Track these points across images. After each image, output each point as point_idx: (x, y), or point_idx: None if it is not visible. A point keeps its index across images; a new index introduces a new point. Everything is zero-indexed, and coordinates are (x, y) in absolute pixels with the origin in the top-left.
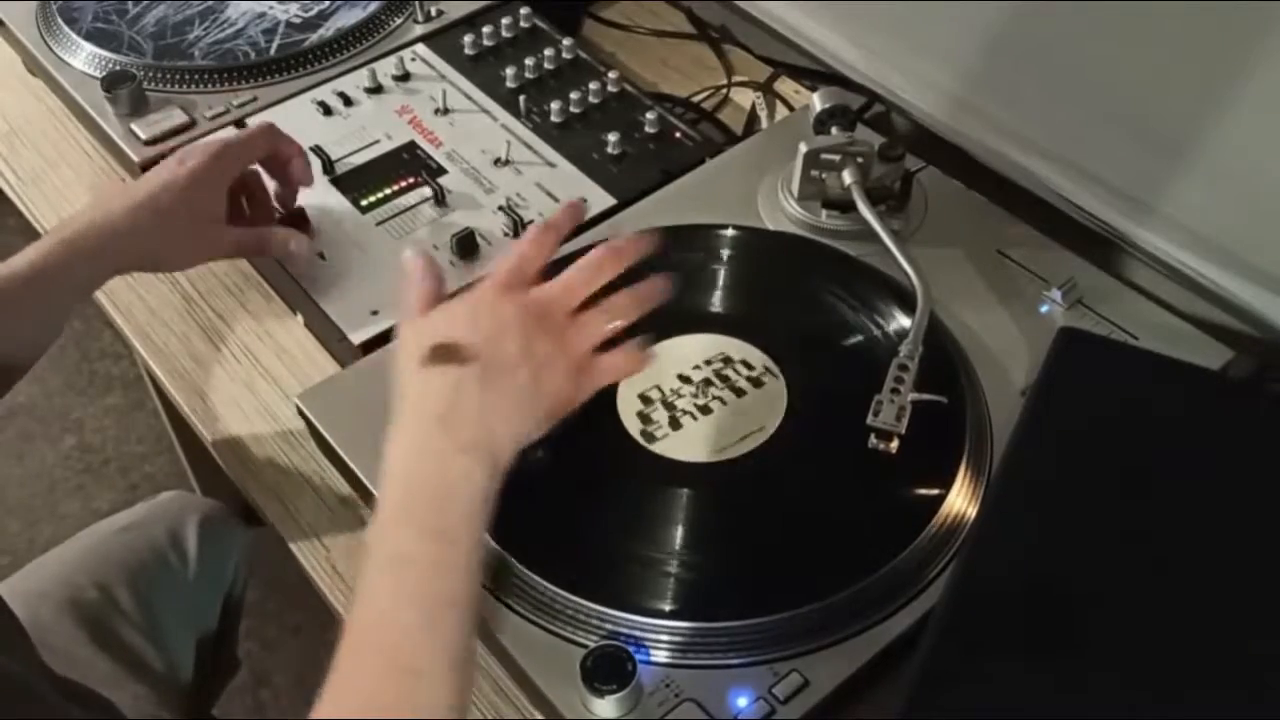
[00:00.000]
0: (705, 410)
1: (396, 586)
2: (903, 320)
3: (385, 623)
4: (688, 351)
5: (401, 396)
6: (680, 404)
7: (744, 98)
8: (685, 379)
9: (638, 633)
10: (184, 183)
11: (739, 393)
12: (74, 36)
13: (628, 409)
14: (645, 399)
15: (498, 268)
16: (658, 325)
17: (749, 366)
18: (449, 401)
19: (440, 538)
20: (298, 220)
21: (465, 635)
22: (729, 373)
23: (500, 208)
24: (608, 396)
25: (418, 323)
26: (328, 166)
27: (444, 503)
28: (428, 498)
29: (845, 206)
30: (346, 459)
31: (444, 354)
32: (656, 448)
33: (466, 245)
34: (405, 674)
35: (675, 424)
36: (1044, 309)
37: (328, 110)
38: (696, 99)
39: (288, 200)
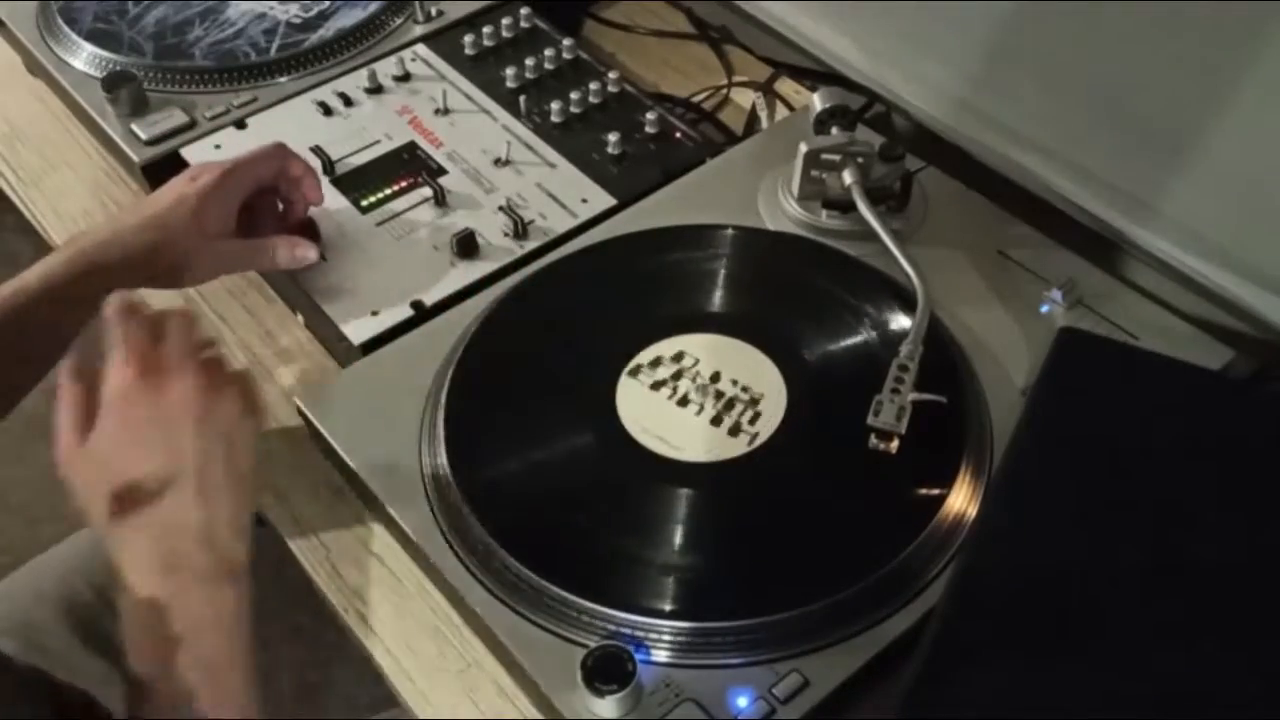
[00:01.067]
0: (705, 410)
1: None
2: (903, 320)
3: None
4: (688, 351)
5: (113, 560)
6: (680, 404)
7: (744, 98)
8: (685, 379)
9: (638, 632)
10: (194, 201)
11: (739, 393)
12: (74, 37)
13: (627, 409)
14: (646, 399)
15: (118, 366)
16: (658, 325)
17: (749, 367)
18: (160, 547)
19: (206, 671)
20: (306, 231)
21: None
22: (729, 373)
23: (500, 208)
24: (608, 396)
25: (79, 455)
26: (328, 167)
27: (199, 639)
28: (181, 643)
29: (845, 206)
30: (346, 459)
31: (128, 498)
32: (656, 448)
33: (467, 245)
34: None
35: (675, 423)
36: (1044, 309)
37: (328, 110)
38: (697, 99)
39: (296, 217)
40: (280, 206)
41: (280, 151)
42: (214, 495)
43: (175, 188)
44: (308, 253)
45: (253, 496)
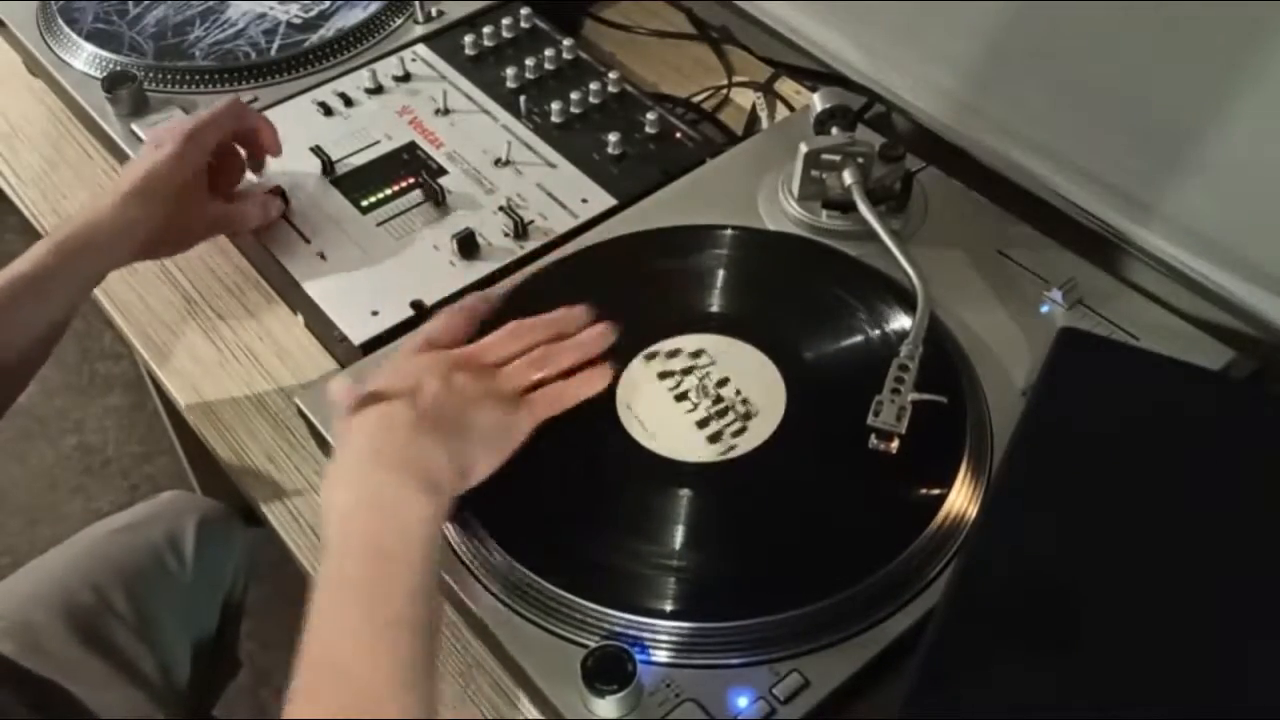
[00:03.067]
0: (697, 410)
1: (340, 610)
2: (903, 320)
3: (333, 647)
4: (689, 351)
5: (337, 447)
6: (680, 404)
7: (744, 98)
8: (685, 379)
9: (638, 633)
10: (165, 167)
11: (739, 393)
12: (75, 37)
13: (627, 409)
14: (649, 386)
15: (408, 337)
16: (659, 325)
17: (749, 367)
18: (379, 434)
19: (380, 561)
20: (274, 193)
21: (416, 654)
22: (729, 373)
23: (501, 208)
24: (607, 397)
25: (348, 418)
26: (328, 167)
27: (381, 527)
28: (363, 521)
29: (846, 207)
30: None
31: (370, 400)
32: (656, 448)
33: (467, 245)
34: (356, 696)
35: (675, 423)
36: (1044, 309)
37: (328, 111)
38: (697, 99)
39: (257, 168)
40: (245, 160)
41: (235, 106)
42: (437, 423)
43: (144, 159)
44: (274, 205)
45: (474, 459)
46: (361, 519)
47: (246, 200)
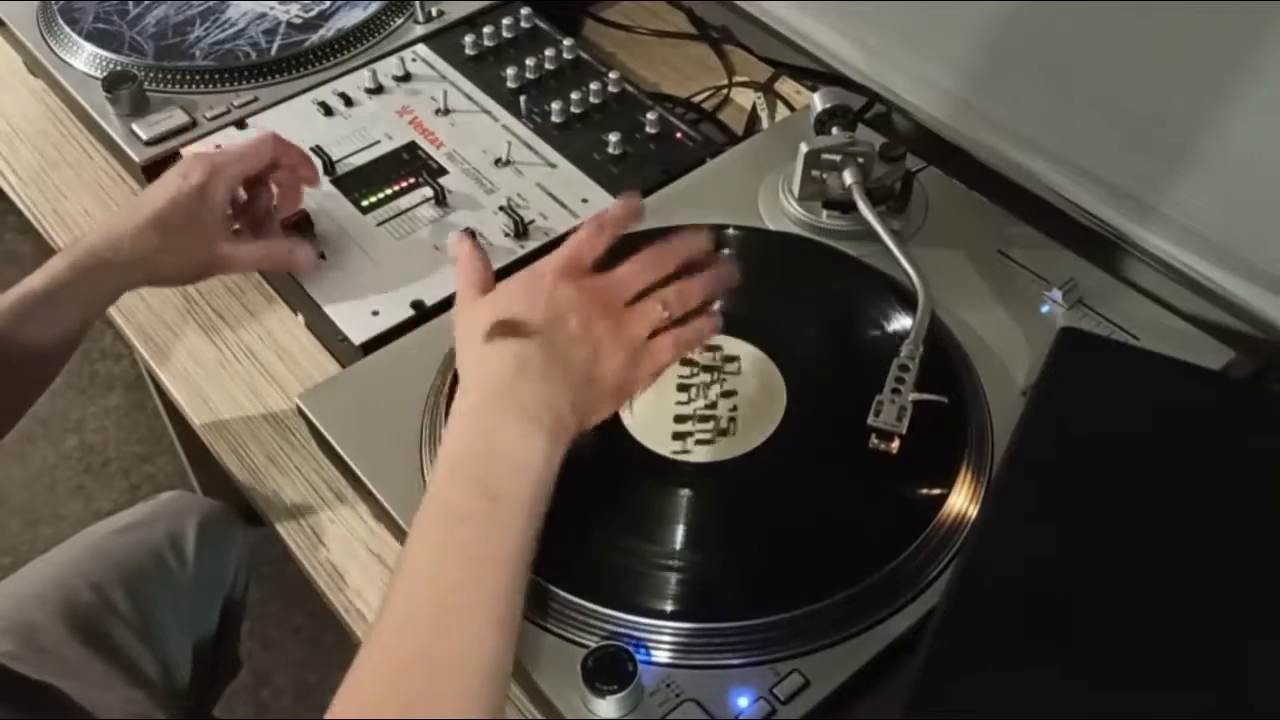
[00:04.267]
0: (705, 410)
1: (444, 540)
2: (903, 320)
3: (431, 574)
4: (726, 353)
5: (464, 372)
6: (680, 404)
7: (745, 98)
8: (684, 379)
9: (638, 633)
10: (189, 199)
11: (739, 392)
12: (75, 37)
13: (628, 411)
14: (646, 401)
15: (554, 255)
16: None
17: (749, 366)
18: (509, 372)
19: (492, 499)
20: (300, 222)
21: (512, 593)
22: (729, 373)
23: (501, 208)
24: None
25: (478, 302)
26: (328, 167)
27: (498, 466)
28: (482, 460)
29: (846, 207)
30: (347, 459)
31: (505, 330)
32: (657, 448)
33: None
34: (449, 624)
35: (658, 407)
36: (1045, 309)
37: (328, 111)
38: (697, 99)
39: (289, 206)
40: (274, 193)
41: (272, 141)
42: (567, 368)
43: (169, 187)
44: (308, 253)
45: (595, 407)
46: (484, 459)
47: (275, 244)
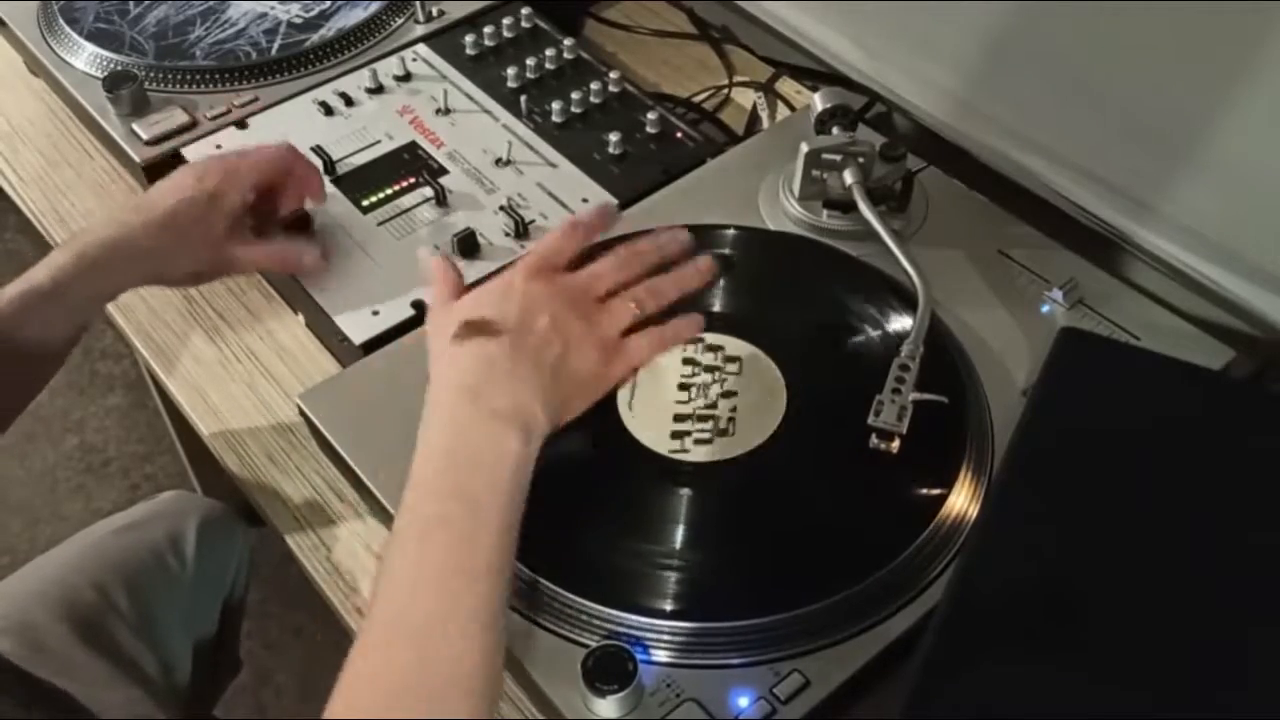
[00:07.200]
0: (704, 410)
1: (422, 550)
2: (904, 320)
3: (411, 585)
4: (728, 353)
5: (434, 376)
6: (680, 404)
7: (745, 98)
8: (685, 379)
9: (639, 633)
10: (202, 201)
11: (739, 393)
12: (75, 37)
13: (627, 408)
14: (656, 374)
15: (524, 256)
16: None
17: (750, 366)
18: (478, 372)
19: (467, 503)
20: (298, 221)
21: (494, 599)
22: (730, 373)
23: (501, 208)
24: (607, 396)
25: (448, 307)
26: (329, 167)
27: (471, 468)
28: (455, 463)
29: (846, 206)
30: (348, 459)
31: (473, 329)
32: (657, 448)
33: (468, 245)
34: (430, 634)
35: (657, 406)
36: (1045, 309)
37: (329, 110)
38: (698, 99)
39: (287, 207)
40: (278, 201)
41: (287, 153)
42: (538, 365)
43: (182, 187)
44: (314, 256)
45: (568, 404)
46: (451, 462)
47: (281, 246)
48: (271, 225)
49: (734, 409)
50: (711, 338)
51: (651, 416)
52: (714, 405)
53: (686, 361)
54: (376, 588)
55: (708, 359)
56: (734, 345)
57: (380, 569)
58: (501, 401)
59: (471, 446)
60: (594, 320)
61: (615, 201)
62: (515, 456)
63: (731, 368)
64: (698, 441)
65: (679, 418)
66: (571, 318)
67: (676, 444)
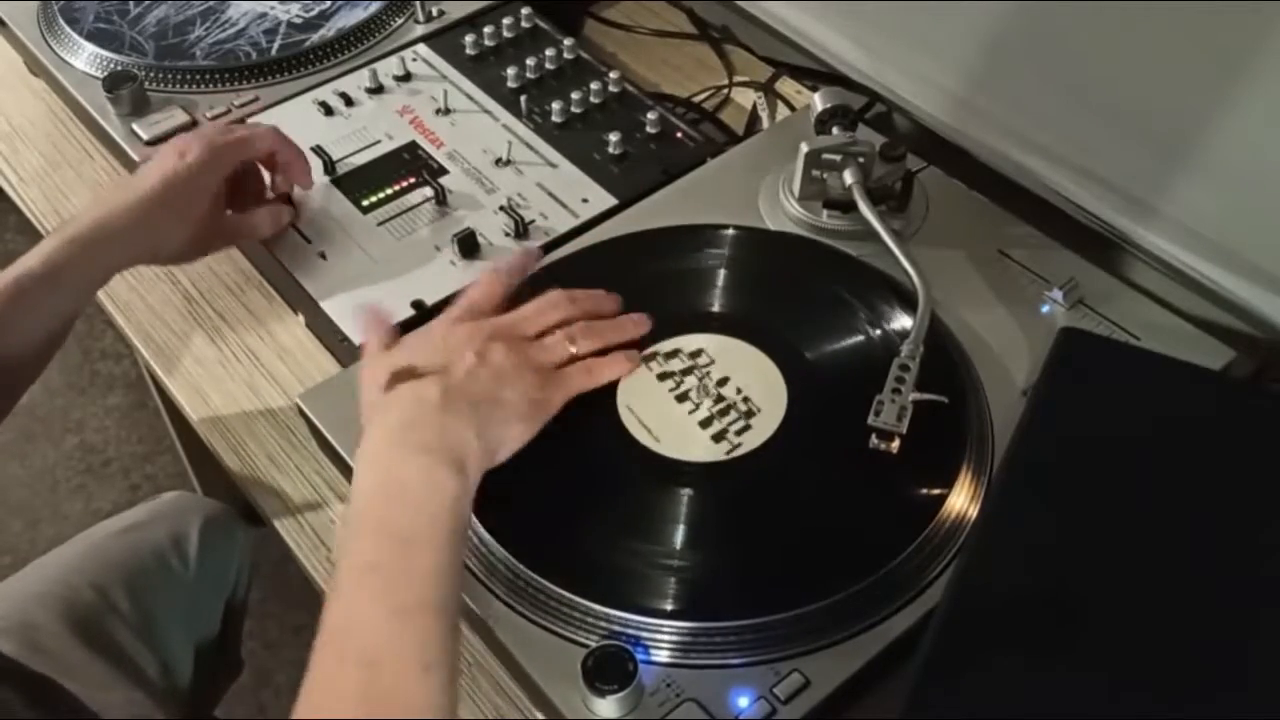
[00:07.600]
0: (699, 410)
1: (360, 593)
2: (904, 320)
3: (352, 628)
4: (706, 350)
5: (365, 424)
6: (682, 405)
7: (745, 98)
8: (693, 376)
9: (639, 632)
10: (186, 176)
11: (740, 391)
12: (75, 37)
13: (629, 411)
14: (648, 388)
15: (450, 307)
16: (660, 325)
17: (749, 366)
18: (407, 412)
19: (403, 542)
20: (282, 200)
21: (439, 635)
22: (729, 373)
23: (501, 208)
24: (608, 396)
25: (378, 357)
26: (329, 167)
27: (405, 507)
28: (388, 503)
29: (846, 206)
30: (348, 459)
31: (402, 376)
32: (662, 450)
33: (468, 245)
34: (376, 677)
35: (679, 425)
36: (1045, 309)
37: (329, 110)
38: (697, 99)
39: (277, 189)
40: (266, 180)
41: (271, 135)
42: (467, 396)
43: (165, 164)
44: (284, 213)
45: (504, 435)
46: (387, 501)
47: (255, 210)
48: (258, 203)
49: (739, 389)
50: (662, 345)
51: (682, 438)
52: (720, 397)
53: (662, 378)
54: (318, 637)
55: (675, 364)
56: (685, 340)
57: (321, 619)
58: (431, 436)
59: (400, 483)
60: (524, 354)
61: (538, 245)
62: (448, 491)
63: (703, 359)
64: (739, 432)
65: (704, 424)
66: (499, 351)
67: (725, 445)
